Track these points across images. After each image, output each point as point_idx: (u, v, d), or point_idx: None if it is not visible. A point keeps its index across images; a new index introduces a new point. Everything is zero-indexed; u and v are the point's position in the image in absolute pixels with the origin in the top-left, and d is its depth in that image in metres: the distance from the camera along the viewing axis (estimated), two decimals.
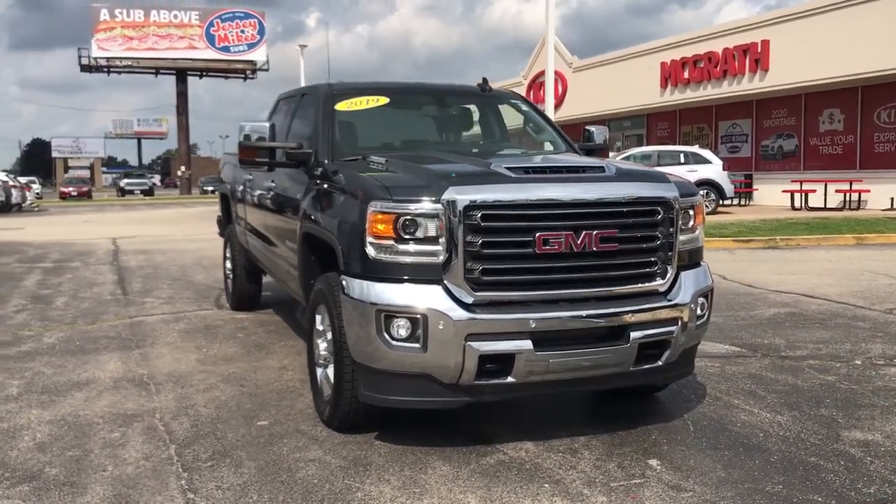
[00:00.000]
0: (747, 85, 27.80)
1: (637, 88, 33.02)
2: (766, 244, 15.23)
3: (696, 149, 24.30)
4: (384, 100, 5.96)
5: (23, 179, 50.91)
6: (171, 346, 6.99)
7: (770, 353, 6.53)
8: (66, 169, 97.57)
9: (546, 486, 3.91)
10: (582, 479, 3.99)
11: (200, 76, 69.84)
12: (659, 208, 4.39)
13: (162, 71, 68.01)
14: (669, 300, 4.42)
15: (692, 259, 4.70)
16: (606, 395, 5.36)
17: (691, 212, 4.66)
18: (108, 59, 65.33)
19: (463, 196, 4.05)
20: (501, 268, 4.13)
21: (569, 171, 4.47)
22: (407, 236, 4.09)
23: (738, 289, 9.92)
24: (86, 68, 66.14)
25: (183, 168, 68.69)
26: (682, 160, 22.96)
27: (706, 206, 21.98)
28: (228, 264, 8.83)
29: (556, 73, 39.02)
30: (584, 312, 4.22)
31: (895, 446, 4.39)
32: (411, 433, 4.61)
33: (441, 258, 4.06)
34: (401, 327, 4.07)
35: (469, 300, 4.07)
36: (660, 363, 4.46)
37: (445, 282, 4.07)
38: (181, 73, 66.97)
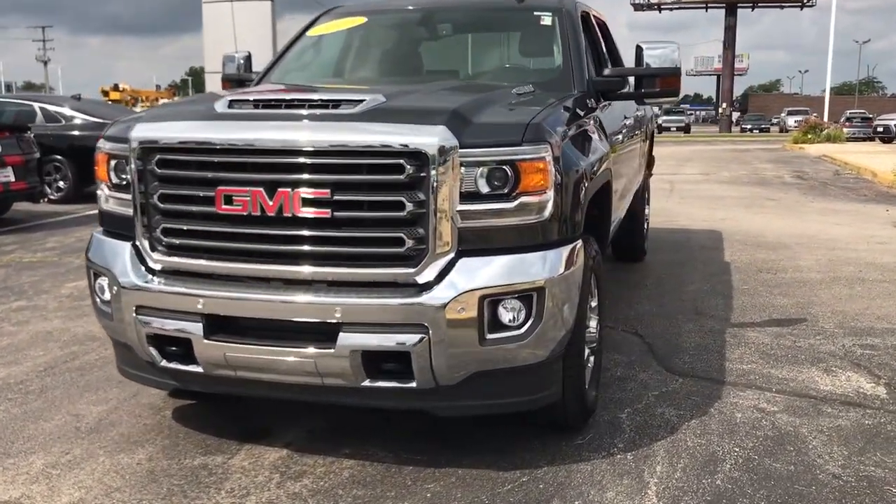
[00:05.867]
0: None
1: None
2: None
3: None
4: (360, 20, 5.02)
5: None
6: None
7: None
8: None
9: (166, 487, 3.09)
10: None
11: (752, 7, 67.07)
12: (404, 162, 2.98)
13: (711, 5, 66.85)
14: (413, 296, 3.02)
15: (511, 240, 3.11)
16: None
17: (507, 170, 3.07)
18: None
19: (140, 135, 3.30)
20: (182, 229, 3.29)
21: (313, 106, 3.26)
22: (115, 181, 3.51)
23: None
24: (638, 7, 68.07)
25: (724, 105, 67.31)
26: None
27: None
28: None
29: None
30: (269, 297, 3.15)
31: None
32: (214, 413, 4.03)
33: (130, 210, 3.39)
34: (103, 288, 3.54)
35: (156, 265, 3.34)
36: (413, 385, 3.11)
37: (136, 240, 3.39)
38: (731, 7, 64.89)
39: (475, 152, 3.03)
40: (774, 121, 70.61)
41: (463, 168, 3.02)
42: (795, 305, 6.06)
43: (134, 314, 3.32)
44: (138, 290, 3.31)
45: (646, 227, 7.91)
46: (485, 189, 3.06)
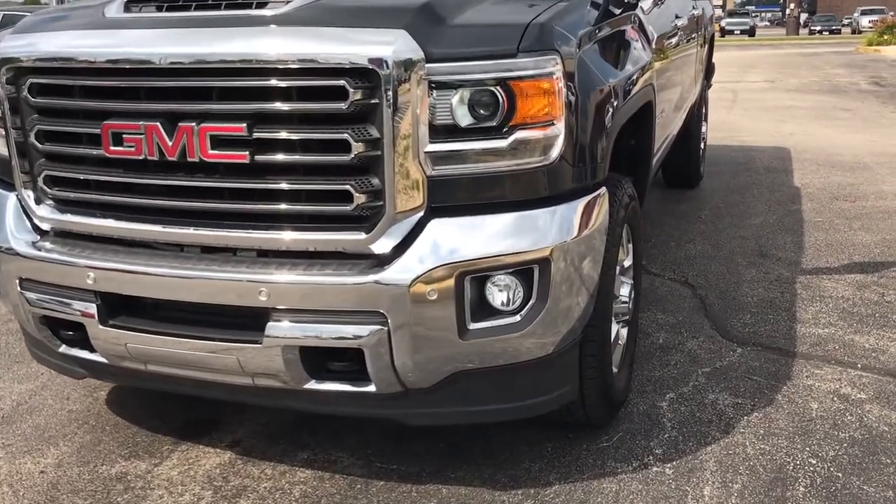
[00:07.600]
0: None
1: None
2: None
3: None
4: None
5: None
6: None
7: None
8: None
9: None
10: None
11: None
12: (346, 84, 2.09)
13: None
14: (365, 273, 2.18)
15: (504, 193, 2.23)
16: None
17: (497, 93, 2.15)
18: None
19: (6, 51, 2.46)
20: (70, 178, 2.47)
21: (233, 6, 2.35)
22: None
23: None
24: None
25: (791, 5, 63.09)
26: None
27: None
28: None
29: None
30: (175, 271, 2.33)
31: None
32: (158, 396, 3.28)
33: (7, 151, 2.59)
34: None
35: (44, 224, 2.55)
36: (371, 389, 2.29)
37: (17, 191, 2.60)
38: None
39: (450, 67, 2.13)
40: (846, 21, 66.41)
41: (434, 91, 2.13)
42: (881, 244, 5.05)
43: (18, 288, 2.55)
44: (20, 258, 2.53)
45: (702, 147, 6.86)
46: (465, 121, 2.16)
